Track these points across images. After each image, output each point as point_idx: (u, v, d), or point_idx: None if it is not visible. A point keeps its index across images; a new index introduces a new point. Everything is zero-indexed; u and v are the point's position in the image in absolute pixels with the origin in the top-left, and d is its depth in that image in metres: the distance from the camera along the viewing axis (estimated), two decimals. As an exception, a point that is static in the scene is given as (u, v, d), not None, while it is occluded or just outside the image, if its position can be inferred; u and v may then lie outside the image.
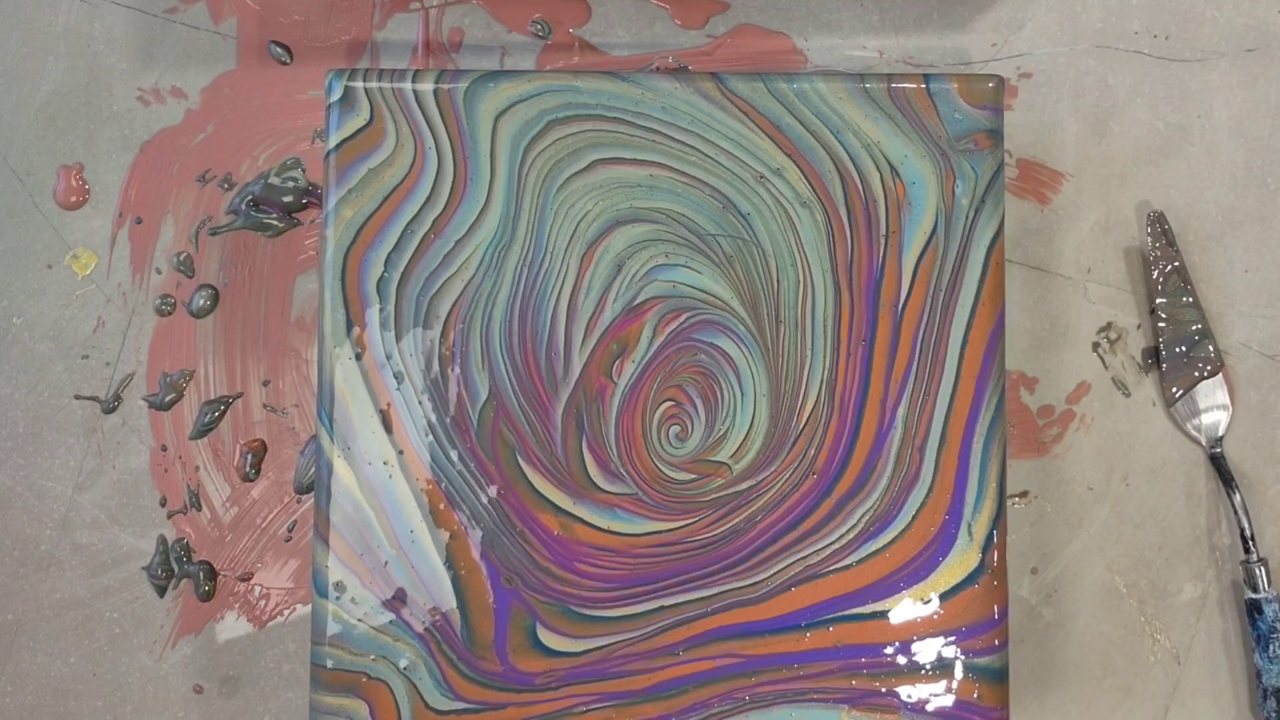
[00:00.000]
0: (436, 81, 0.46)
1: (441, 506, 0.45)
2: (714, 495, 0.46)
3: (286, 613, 0.53)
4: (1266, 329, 0.54)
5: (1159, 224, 0.53)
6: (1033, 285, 0.54)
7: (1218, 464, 0.53)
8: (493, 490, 0.45)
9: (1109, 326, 0.54)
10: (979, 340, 0.46)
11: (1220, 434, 0.53)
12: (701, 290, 0.46)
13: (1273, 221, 0.54)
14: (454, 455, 0.45)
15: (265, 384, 0.53)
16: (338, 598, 0.45)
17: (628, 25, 0.55)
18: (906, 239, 0.46)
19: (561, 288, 0.46)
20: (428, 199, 0.46)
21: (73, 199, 0.54)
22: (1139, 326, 0.54)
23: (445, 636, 0.45)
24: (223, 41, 0.55)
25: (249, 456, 0.53)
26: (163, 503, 0.53)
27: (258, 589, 0.53)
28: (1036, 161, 0.55)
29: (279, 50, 0.55)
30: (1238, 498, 0.52)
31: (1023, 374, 0.54)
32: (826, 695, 0.45)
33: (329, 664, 0.45)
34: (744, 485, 0.46)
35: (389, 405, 0.45)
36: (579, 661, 0.45)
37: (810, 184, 0.46)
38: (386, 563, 0.45)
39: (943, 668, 0.45)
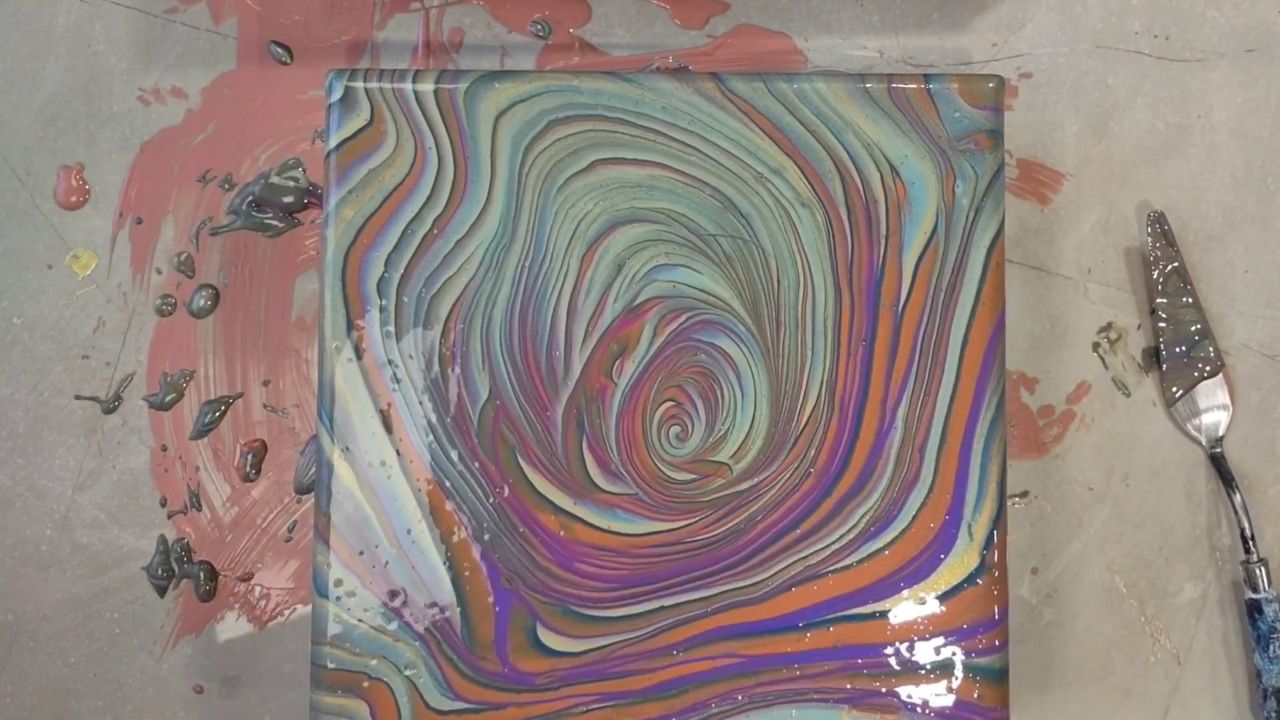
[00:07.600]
0: (437, 82, 0.46)
1: (442, 506, 0.45)
2: (714, 495, 0.46)
3: (287, 613, 0.53)
4: (1266, 329, 0.54)
5: (1159, 224, 0.53)
6: (1033, 285, 0.54)
7: (1218, 464, 0.53)
8: (493, 490, 0.45)
9: (1109, 326, 0.54)
10: (979, 340, 0.46)
11: (1220, 434, 0.53)
12: (702, 290, 0.46)
13: (1273, 221, 0.54)
14: (454, 455, 0.45)
15: (265, 384, 0.53)
16: (338, 598, 0.45)
17: (628, 25, 0.55)
18: (906, 239, 0.46)
19: (562, 288, 0.46)
20: (428, 199, 0.46)
21: (73, 199, 0.54)
22: (1139, 326, 0.54)
23: (446, 636, 0.45)
24: (223, 41, 0.55)
25: (249, 456, 0.53)
26: (163, 503, 0.53)
27: (258, 589, 0.53)
28: (1036, 161, 0.55)
29: (279, 50, 0.55)
30: (1238, 498, 0.52)
31: (1023, 374, 0.54)
32: (826, 695, 0.45)
33: (329, 664, 0.45)
34: (744, 485, 0.46)
35: (389, 405, 0.45)
36: (579, 661, 0.45)
37: (810, 184, 0.46)
38: (387, 563, 0.45)
39: (943, 668, 0.45)
